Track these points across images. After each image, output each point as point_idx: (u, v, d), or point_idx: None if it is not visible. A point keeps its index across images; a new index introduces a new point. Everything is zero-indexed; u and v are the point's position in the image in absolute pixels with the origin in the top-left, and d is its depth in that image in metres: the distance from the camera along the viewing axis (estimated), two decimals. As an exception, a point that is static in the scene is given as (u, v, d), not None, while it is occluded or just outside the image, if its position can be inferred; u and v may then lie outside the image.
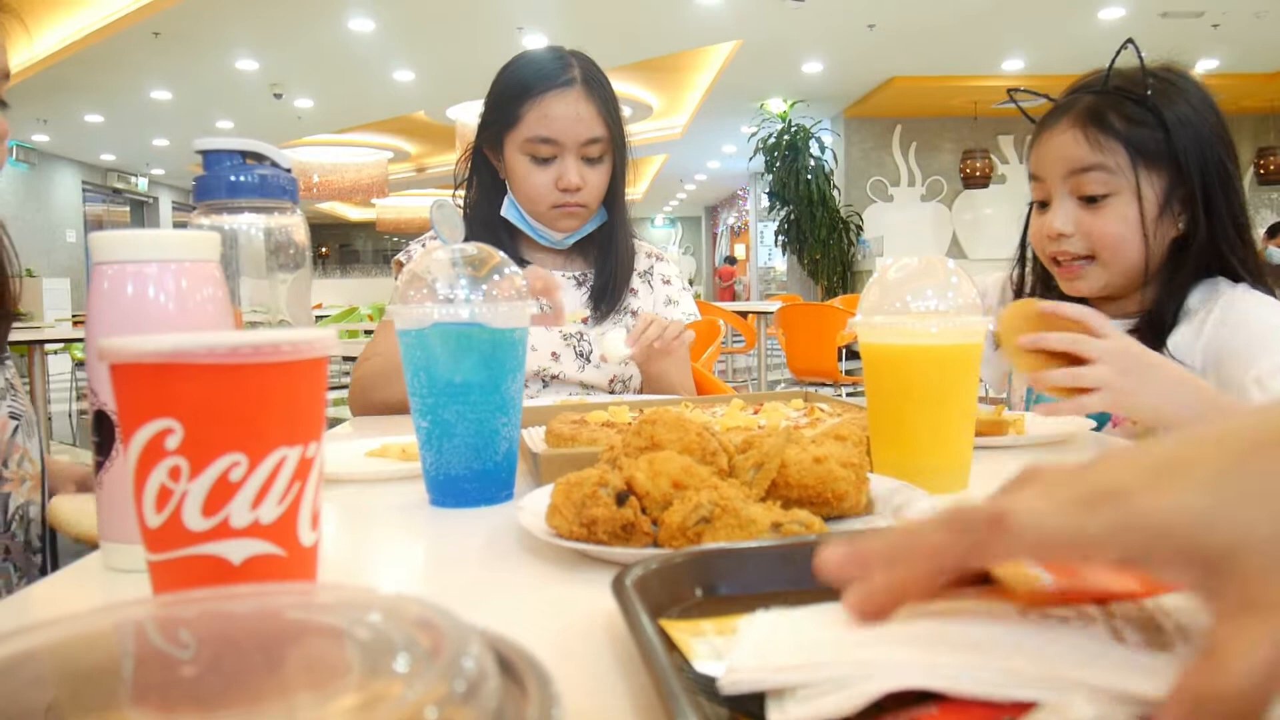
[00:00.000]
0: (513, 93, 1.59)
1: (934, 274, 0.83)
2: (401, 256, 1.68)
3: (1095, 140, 1.22)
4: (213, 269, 0.62)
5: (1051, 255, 1.29)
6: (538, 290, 1.32)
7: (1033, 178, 1.31)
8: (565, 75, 1.57)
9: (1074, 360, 0.97)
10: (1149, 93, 1.21)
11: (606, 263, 1.69)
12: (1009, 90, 1.40)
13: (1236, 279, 1.23)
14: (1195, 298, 1.24)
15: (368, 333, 7.09)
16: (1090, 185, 1.22)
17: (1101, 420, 1.20)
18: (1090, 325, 0.98)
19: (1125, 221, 1.22)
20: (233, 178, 0.75)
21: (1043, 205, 1.30)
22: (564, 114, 1.56)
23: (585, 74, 1.59)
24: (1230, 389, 1.13)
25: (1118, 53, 1.24)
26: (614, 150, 1.63)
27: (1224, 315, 1.19)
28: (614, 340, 1.42)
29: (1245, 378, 1.11)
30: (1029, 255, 1.39)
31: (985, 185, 11.08)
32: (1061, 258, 1.28)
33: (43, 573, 0.98)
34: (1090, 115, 1.23)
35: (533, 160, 1.58)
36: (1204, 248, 1.22)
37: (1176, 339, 1.22)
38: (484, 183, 1.69)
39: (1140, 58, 1.23)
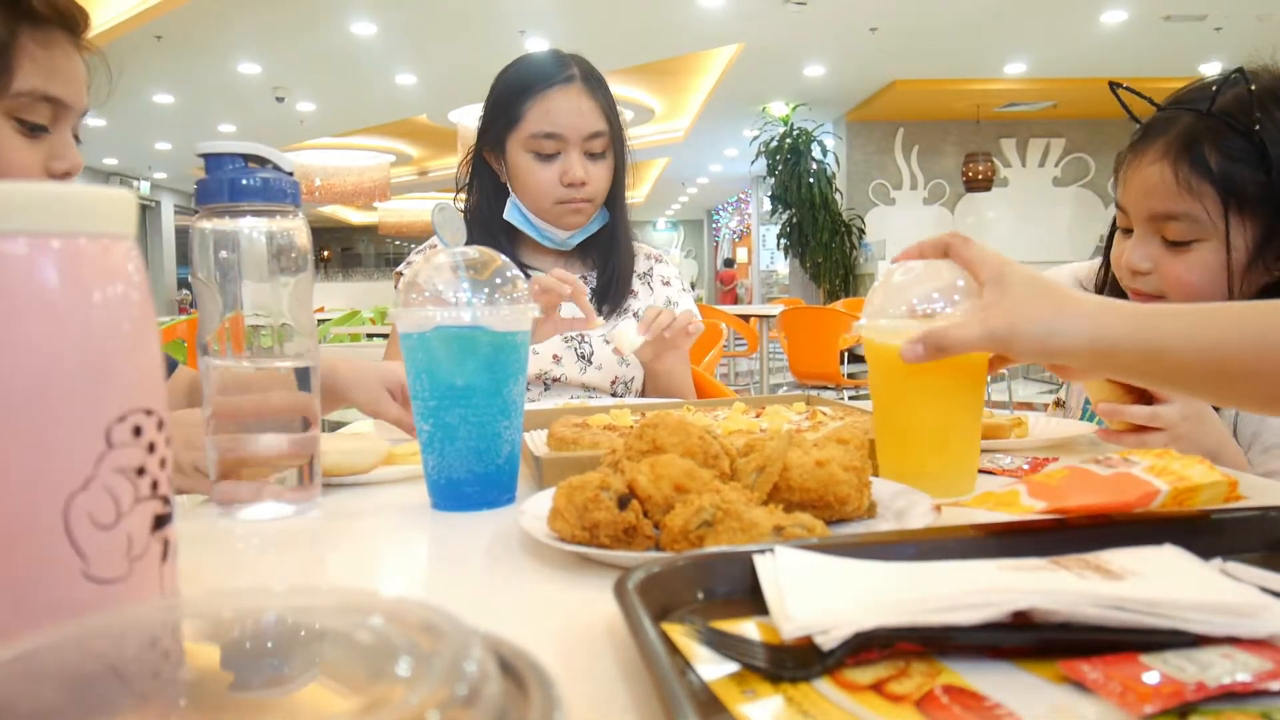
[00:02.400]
0: (514, 93, 1.60)
1: (939, 277, 0.83)
2: (402, 268, 1.68)
3: (1184, 181, 1.08)
4: (125, 251, 0.39)
5: (1127, 287, 1.20)
6: (565, 295, 1.36)
7: (1118, 205, 1.20)
8: (565, 73, 1.59)
9: (1142, 396, 0.97)
10: (1257, 126, 1.06)
11: (609, 264, 1.69)
12: (1110, 84, 1.21)
13: None
14: None
15: (370, 335, 7.08)
16: (1173, 232, 1.11)
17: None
18: None
19: (1207, 270, 1.10)
20: (235, 181, 0.75)
21: (1127, 231, 1.20)
22: (566, 109, 1.57)
23: (584, 72, 1.61)
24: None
25: (1227, 77, 1.09)
26: (615, 149, 1.63)
27: None
28: (626, 330, 1.43)
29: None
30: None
31: (988, 188, 11.07)
32: (1138, 294, 1.18)
33: None
34: (1183, 146, 1.09)
35: (536, 157, 1.59)
36: None
37: None
38: (484, 187, 1.70)
39: (1250, 86, 1.07)
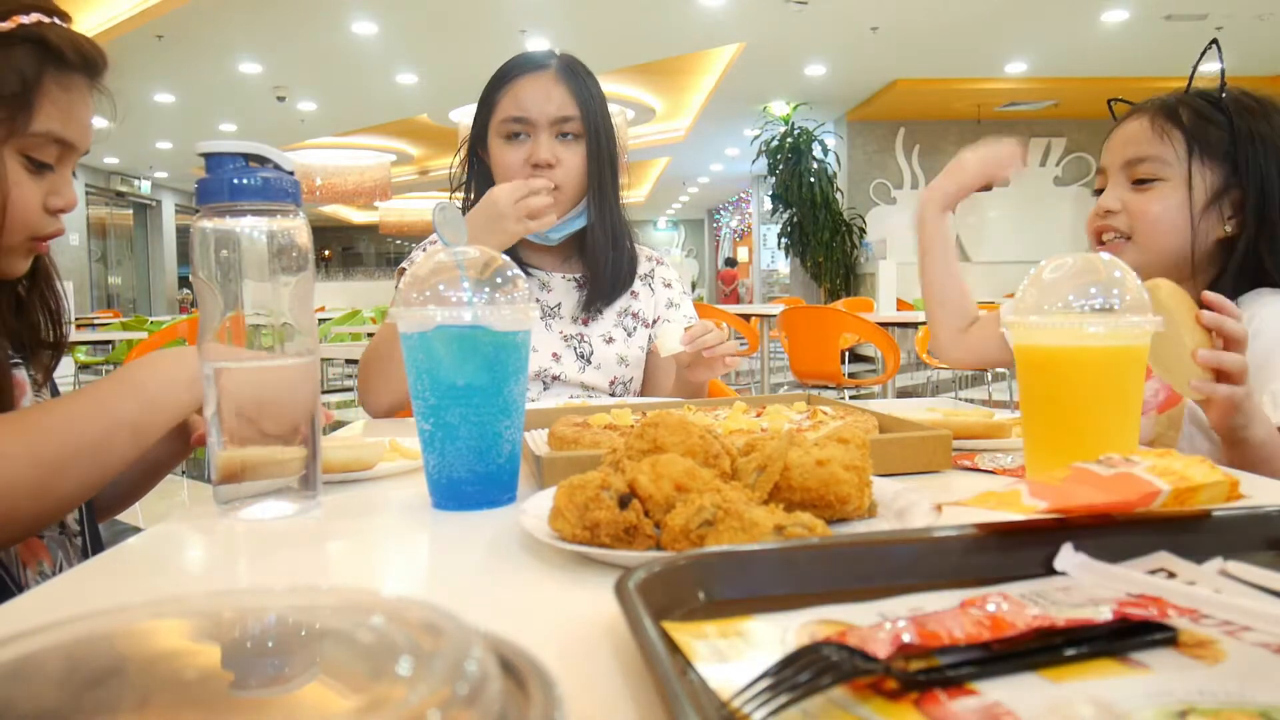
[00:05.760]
0: (493, 85, 1.64)
1: (1095, 272, 0.78)
2: (405, 264, 1.68)
3: (1159, 128, 1.28)
4: None
5: (1097, 230, 1.34)
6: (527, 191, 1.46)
7: (1099, 170, 1.38)
8: (541, 63, 1.62)
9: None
10: (1223, 95, 1.27)
11: (598, 259, 1.68)
12: (1109, 101, 1.45)
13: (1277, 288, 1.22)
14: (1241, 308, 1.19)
15: (370, 335, 7.10)
16: (1142, 171, 1.28)
17: None
18: (1231, 312, 0.98)
19: (1167, 204, 1.26)
20: (235, 180, 0.75)
21: (1100, 194, 1.36)
22: (534, 93, 1.59)
23: (564, 63, 1.63)
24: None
25: (1203, 53, 1.32)
26: (595, 141, 1.62)
27: (1256, 326, 1.14)
28: (671, 333, 1.44)
29: (1264, 392, 1.09)
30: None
31: (988, 188, 11.07)
32: (1105, 235, 1.33)
33: (83, 555, 1.04)
34: (1162, 107, 1.30)
35: (506, 140, 1.61)
36: (1248, 252, 1.23)
37: None
38: (480, 185, 1.70)
39: (1221, 60, 1.29)
